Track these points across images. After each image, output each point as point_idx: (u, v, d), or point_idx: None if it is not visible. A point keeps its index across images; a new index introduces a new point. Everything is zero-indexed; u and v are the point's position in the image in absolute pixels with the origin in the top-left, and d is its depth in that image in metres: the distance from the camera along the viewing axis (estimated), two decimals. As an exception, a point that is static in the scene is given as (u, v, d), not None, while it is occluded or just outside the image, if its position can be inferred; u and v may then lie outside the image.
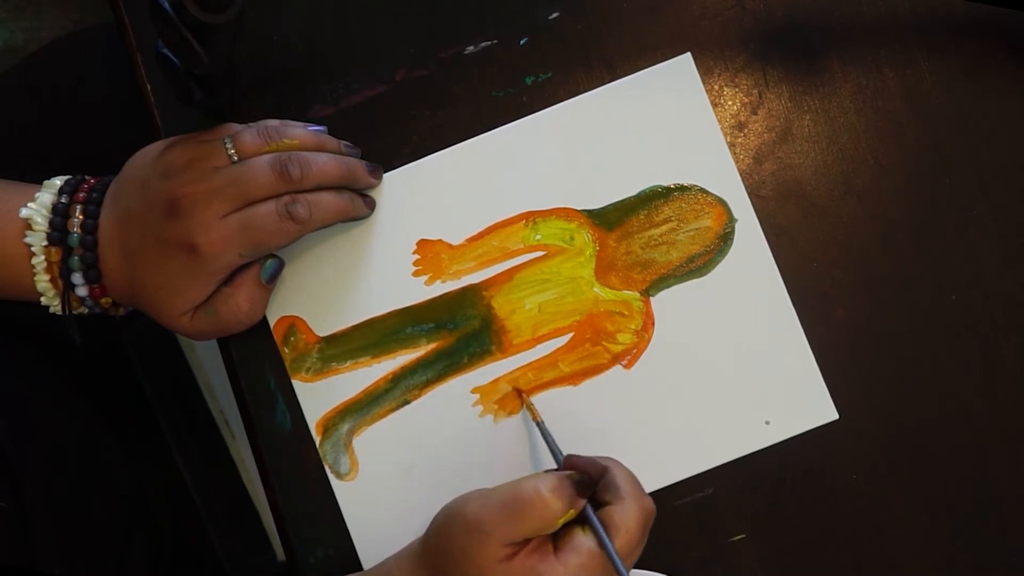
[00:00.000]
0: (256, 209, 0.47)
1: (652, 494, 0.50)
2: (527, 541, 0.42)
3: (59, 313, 0.50)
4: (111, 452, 0.66)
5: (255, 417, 0.52)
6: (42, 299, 0.50)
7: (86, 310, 0.51)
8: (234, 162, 0.47)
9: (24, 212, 0.48)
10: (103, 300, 0.50)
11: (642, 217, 0.51)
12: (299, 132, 0.49)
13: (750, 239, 0.51)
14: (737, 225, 0.51)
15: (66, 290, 0.49)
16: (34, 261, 0.48)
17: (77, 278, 0.49)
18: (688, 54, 0.51)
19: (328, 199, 0.49)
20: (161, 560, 0.65)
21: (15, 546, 0.53)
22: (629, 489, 0.44)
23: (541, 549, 0.42)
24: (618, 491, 0.43)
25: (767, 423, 0.50)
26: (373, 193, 0.52)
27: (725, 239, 0.51)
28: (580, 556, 0.42)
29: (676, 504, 0.51)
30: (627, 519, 0.42)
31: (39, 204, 0.48)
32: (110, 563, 0.61)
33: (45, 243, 0.48)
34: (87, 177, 0.50)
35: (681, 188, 0.51)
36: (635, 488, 0.44)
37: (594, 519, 0.43)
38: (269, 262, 0.50)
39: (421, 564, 0.45)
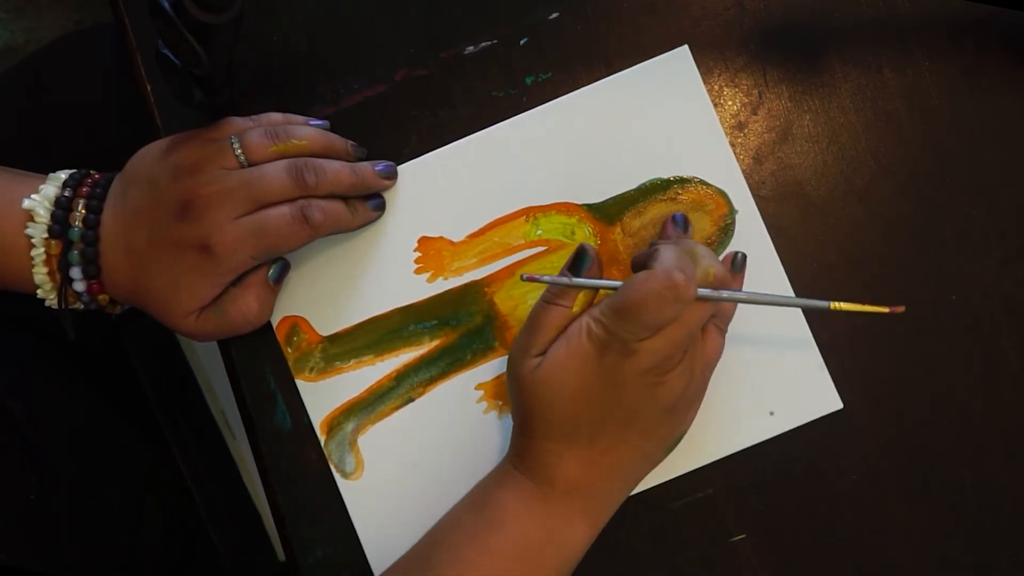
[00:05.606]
0: (270, 212, 0.47)
1: (660, 486, 0.51)
2: None
3: (55, 307, 0.50)
4: (124, 438, 0.66)
5: (255, 417, 0.52)
6: (39, 291, 0.49)
7: (82, 306, 0.50)
8: (241, 162, 0.47)
9: (27, 203, 0.48)
10: (100, 297, 0.50)
11: (643, 210, 0.51)
12: (307, 132, 0.49)
13: (751, 230, 0.51)
14: (738, 216, 0.51)
15: (63, 284, 0.49)
16: (33, 253, 0.48)
17: (75, 272, 0.48)
18: (685, 46, 0.51)
19: (338, 210, 0.49)
20: (175, 540, 0.65)
21: (38, 533, 0.53)
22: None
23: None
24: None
25: (771, 413, 0.51)
26: None
27: (726, 231, 0.51)
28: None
29: (676, 504, 0.51)
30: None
31: (42, 196, 0.48)
32: (123, 544, 0.61)
33: (45, 235, 0.48)
34: (92, 172, 0.50)
35: (681, 180, 0.51)
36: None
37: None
38: (276, 263, 0.50)
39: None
